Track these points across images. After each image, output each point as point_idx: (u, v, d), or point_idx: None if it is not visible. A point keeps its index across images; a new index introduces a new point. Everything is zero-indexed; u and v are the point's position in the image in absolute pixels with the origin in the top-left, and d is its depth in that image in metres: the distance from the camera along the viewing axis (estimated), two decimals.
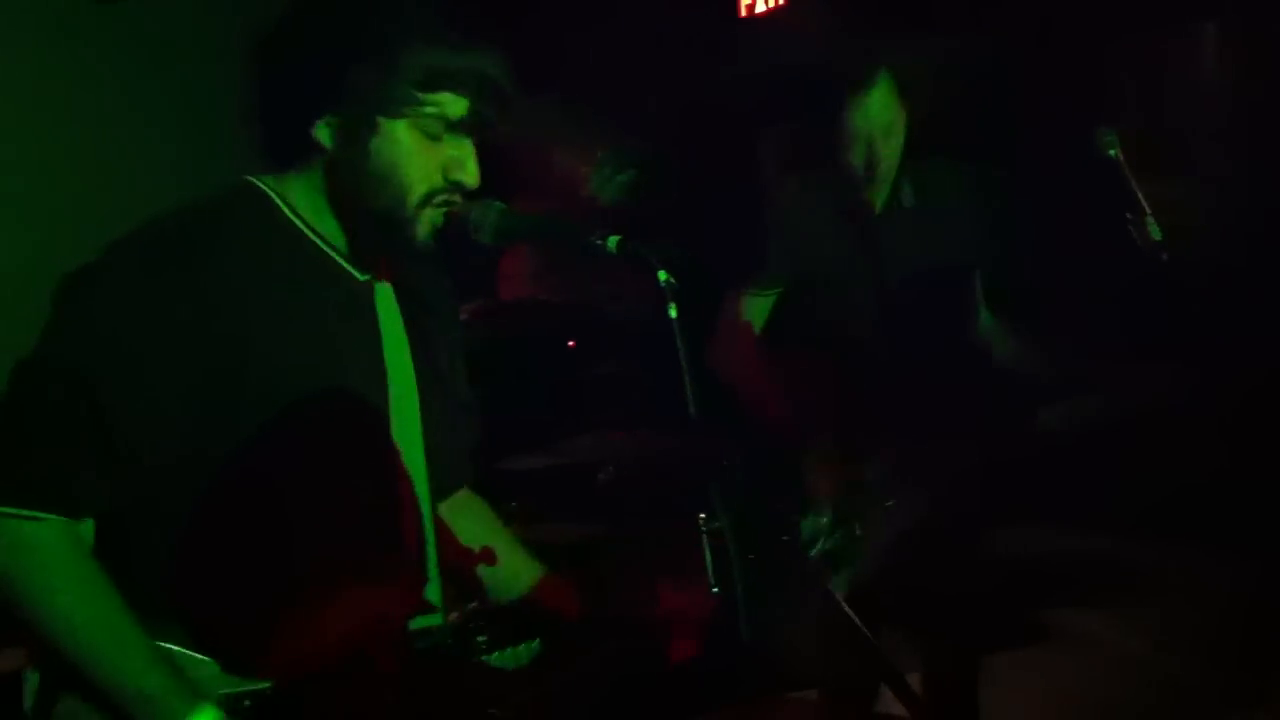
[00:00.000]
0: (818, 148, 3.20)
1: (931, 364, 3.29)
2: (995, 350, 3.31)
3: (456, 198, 1.82)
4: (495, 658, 1.98)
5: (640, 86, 5.91)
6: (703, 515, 1.61)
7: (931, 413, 3.26)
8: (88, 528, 1.73)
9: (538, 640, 2.00)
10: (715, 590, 1.91)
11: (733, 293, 3.24)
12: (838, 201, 3.18)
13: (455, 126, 1.79)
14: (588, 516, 3.60)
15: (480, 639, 1.95)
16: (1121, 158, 2.59)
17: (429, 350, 1.97)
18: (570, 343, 4.78)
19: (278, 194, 1.83)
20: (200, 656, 1.75)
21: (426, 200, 1.80)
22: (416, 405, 1.92)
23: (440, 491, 1.99)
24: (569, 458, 3.49)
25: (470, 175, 1.82)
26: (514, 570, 2.17)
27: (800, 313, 3.25)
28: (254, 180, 1.85)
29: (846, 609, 1.46)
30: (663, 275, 1.65)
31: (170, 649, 1.72)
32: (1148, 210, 2.56)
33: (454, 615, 1.99)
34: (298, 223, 1.83)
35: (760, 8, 5.87)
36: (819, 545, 2.32)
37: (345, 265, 1.86)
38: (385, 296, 1.92)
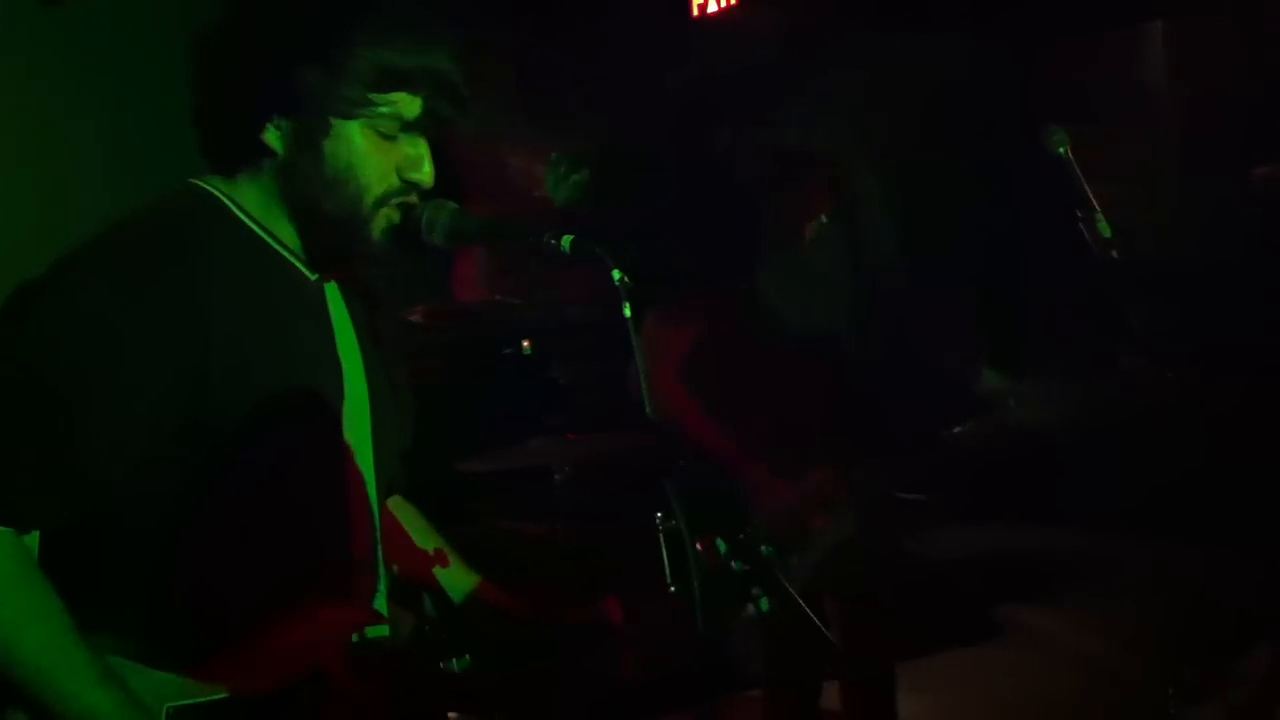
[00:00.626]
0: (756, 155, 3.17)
1: (880, 371, 3.30)
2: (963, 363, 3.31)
3: (413, 197, 1.81)
4: (451, 661, 1.96)
5: (592, 85, 5.91)
6: (659, 514, 1.61)
7: (884, 420, 3.28)
8: (32, 539, 1.69)
9: (491, 642, 1.98)
10: (672, 589, 1.91)
11: (656, 315, 3.15)
12: (770, 222, 3.14)
13: (410, 125, 1.78)
14: (545, 517, 3.60)
15: (434, 642, 1.94)
16: (1071, 156, 2.58)
17: (375, 352, 1.96)
18: (526, 343, 4.77)
19: (228, 197, 1.81)
20: (150, 669, 1.72)
21: (383, 200, 1.79)
22: (367, 408, 1.91)
23: (384, 494, 1.98)
24: (526, 459, 3.49)
25: (426, 175, 1.80)
26: (462, 573, 2.16)
27: (734, 333, 3.22)
28: (201, 183, 1.82)
29: (803, 605, 1.47)
30: (617, 274, 1.64)
31: (119, 661, 1.69)
32: (1098, 208, 2.56)
33: (408, 619, 1.97)
34: (251, 225, 1.81)
35: (712, 8, 5.88)
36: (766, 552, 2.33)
37: (298, 266, 1.85)
38: (335, 297, 1.91)
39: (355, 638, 1.84)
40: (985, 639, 4.67)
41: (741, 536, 1.59)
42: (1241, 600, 3.83)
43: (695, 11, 5.97)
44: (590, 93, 5.95)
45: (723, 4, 5.83)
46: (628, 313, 1.63)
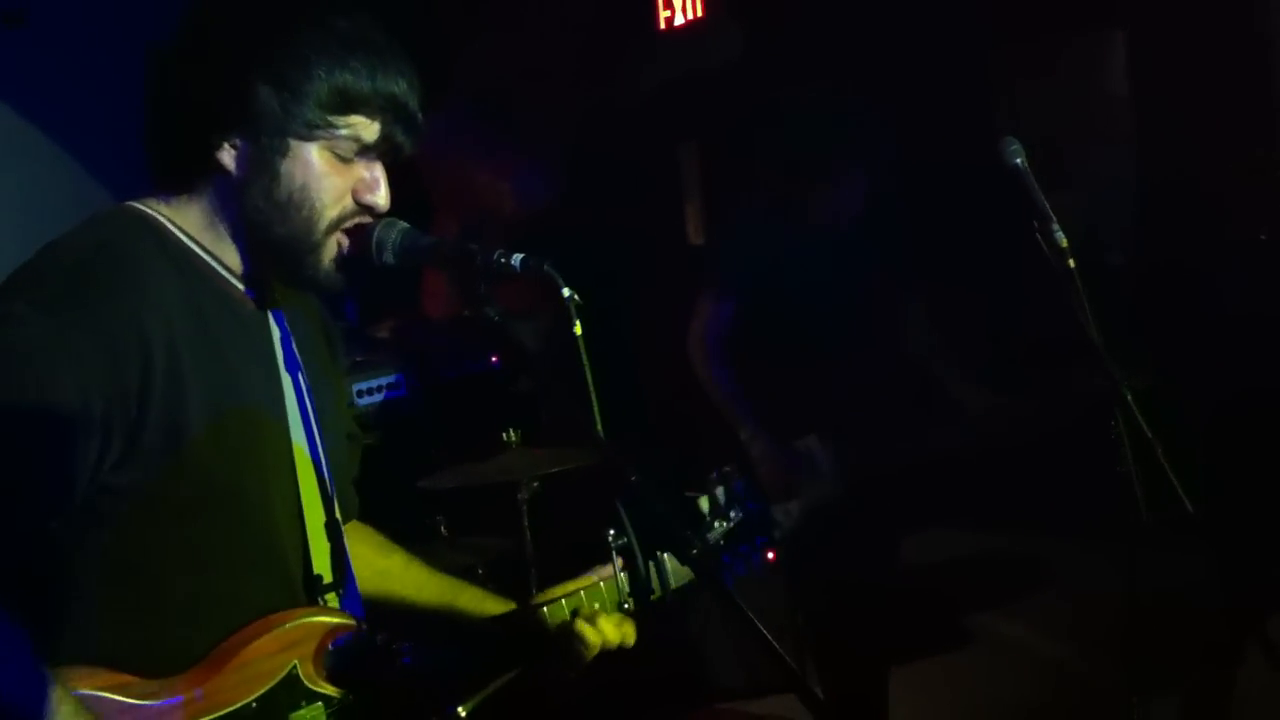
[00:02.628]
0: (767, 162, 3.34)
1: (873, 368, 3.37)
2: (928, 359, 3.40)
3: (366, 219, 1.81)
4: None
5: (559, 97, 5.91)
6: (611, 532, 1.60)
7: (869, 413, 3.34)
8: None
9: (460, 653, 1.98)
10: (626, 606, 1.91)
11: (705, 291, 3.48)
12: (801, 217, 3.28)
13: (367, 150, 1.78)
14: (510, 532, 3.59)
15: (406, 656, 1.94)
16: (1027, 165, 2.59)
17: (318, 379, 1.95)
18: (494, 358, 4.77)
19: (169, 220, 1.79)
20: (118, 698, 1.70)
21: (337, 224, 1.78)
22: (316, 431, 1.90)
23: (343, 516, 1.97)
24: (493, 475, 3.49)
25: (382, 198, 1.80)
26: (437, 590, 2.16)
27: (762, 315, 3.39)
28: (139, 205, 1.80)
29: (751, 618, 1.47)
30: (567, 292, 1.65)
31: (86, 694, 1.66)
32: (1053, 218, 2.57)
33: (380, 635, 1.97)
34: (193, 247, 1.79)
35: (679, 21, 5.88)
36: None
37: (241, 289, 1.84)
38: (277, 322, 1.90)
39: (332, 645, 1.82)
40: (954, 646, 4.68)
41: (694, 552, 1.59)
42: (1208, 608, 3.86)
43: (661, 25, 5.98)
44: (556, 104, 5.96)
45: (688, 17, 5.84)
46: (578, 330, 1.63)
